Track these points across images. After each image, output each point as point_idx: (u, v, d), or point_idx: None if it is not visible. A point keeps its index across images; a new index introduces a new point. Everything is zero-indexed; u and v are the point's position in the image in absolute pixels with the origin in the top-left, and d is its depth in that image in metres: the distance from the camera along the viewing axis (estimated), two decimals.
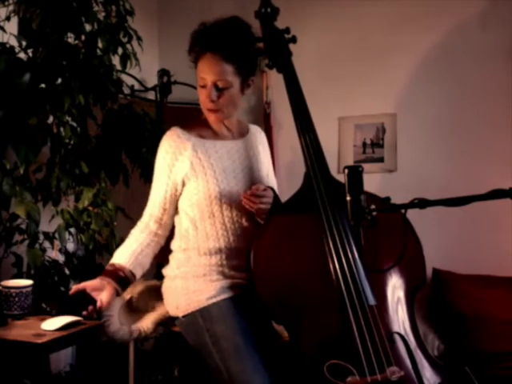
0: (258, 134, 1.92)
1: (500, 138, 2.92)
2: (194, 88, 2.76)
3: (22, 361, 1.87)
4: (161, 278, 1.86)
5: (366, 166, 1.54)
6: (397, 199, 1.41)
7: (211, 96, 1.70)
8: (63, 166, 2.23)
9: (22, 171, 2.01)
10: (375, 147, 3.17)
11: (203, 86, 1.72)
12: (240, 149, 1.82)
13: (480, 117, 2.96)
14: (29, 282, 2.01)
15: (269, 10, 1.88)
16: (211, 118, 1.77)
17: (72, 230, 2.37)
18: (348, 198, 1.36)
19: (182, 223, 1.77)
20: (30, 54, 2.13)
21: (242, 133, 1.87)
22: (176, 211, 1.79)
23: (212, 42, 1.69)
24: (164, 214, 1.77)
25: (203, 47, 1.70)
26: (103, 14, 2.30)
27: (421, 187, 2.81)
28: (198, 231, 1.73)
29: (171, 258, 1.81)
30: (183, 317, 1.72)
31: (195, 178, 1.71)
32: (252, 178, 1.80)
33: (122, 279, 1.69)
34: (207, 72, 1.70)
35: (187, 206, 1.75)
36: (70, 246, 2.55)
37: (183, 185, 1.74)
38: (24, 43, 2.10)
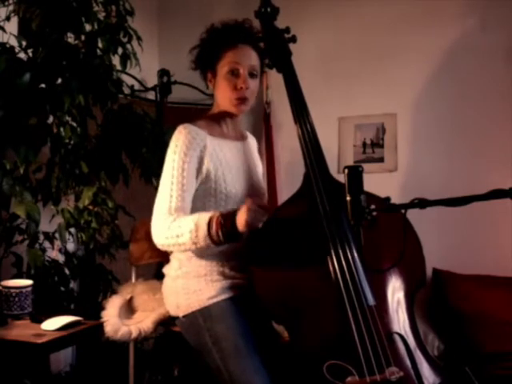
0: (254, 142, 1.96)
1: (500, 138, 2.92)
2: (194, 88, 2.78)
3: (22, 361, 1.87)
4: (161, 277, 1.85)
5: (366, 166, 1.54)
6: (397, 199, 1.41)
7: (247, 82, 1.70)
8: (63, 166, 2.23)
9: (22, 171, 2.02)
10: (375, 147, 3.17)
11: (234, 74, 1.70)
12: (240, 150, 1.83)
13: (480, 117, 2.96)
14: (29, 281, 2.01)
15: (269, 9, 1.89)
16: (237, 108, 1.74)
17: (72, 229, 2.38)
18: (348, 198, 1.35)
19: None
20: (30, 54, 2.13)
21: (243, 136, 1.90)
22: None
23: (245, 36, 1.74)
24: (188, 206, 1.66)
25: (234, 40, 1.71)
26: (103, 13, 2.30)
27: (421, 187, 2.81)
28: None
29: (172, 257, 1.80)
30: (184, 316, 1.72)
31: (212, 177, 1.68)
32: (252, 179, 1.82)
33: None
34: (244, 58, 1.71)
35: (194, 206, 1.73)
36: (70, 246, 2.56)
37: (201, 182, 1.69)
38: (24, 43, 2.10)
